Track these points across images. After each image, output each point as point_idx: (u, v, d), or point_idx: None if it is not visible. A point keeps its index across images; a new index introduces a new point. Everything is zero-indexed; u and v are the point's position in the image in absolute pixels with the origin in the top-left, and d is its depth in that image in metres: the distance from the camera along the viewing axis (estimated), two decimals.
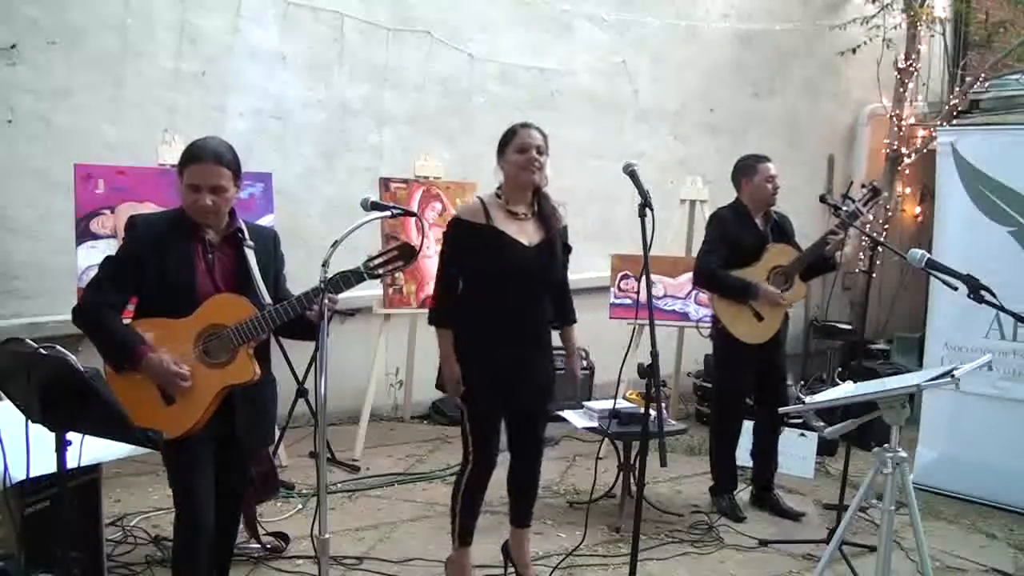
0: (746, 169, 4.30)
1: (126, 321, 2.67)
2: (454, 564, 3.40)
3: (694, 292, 5.73)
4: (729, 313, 4.25)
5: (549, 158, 3.19)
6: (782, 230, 4.35)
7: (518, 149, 3.12)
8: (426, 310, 5.22)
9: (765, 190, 4.23)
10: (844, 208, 4.15)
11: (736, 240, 4.23)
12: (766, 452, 4.48)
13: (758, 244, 4.24)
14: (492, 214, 3.13)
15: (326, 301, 2.56)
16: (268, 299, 2.64)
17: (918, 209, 7.74)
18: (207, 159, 2.59)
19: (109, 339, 2.59)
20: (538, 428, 3.38)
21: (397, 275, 4.95)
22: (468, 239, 3.13)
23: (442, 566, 3.63)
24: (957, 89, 7.29)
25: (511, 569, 3.46)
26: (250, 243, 2.69)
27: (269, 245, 2.81)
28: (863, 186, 4.40)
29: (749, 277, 4.18)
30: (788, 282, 4.20)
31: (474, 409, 3.21)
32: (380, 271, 2.70)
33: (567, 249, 3.32)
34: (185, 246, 2.64)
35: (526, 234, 3.16)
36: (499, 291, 3.12)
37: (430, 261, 5.27)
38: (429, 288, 5.27)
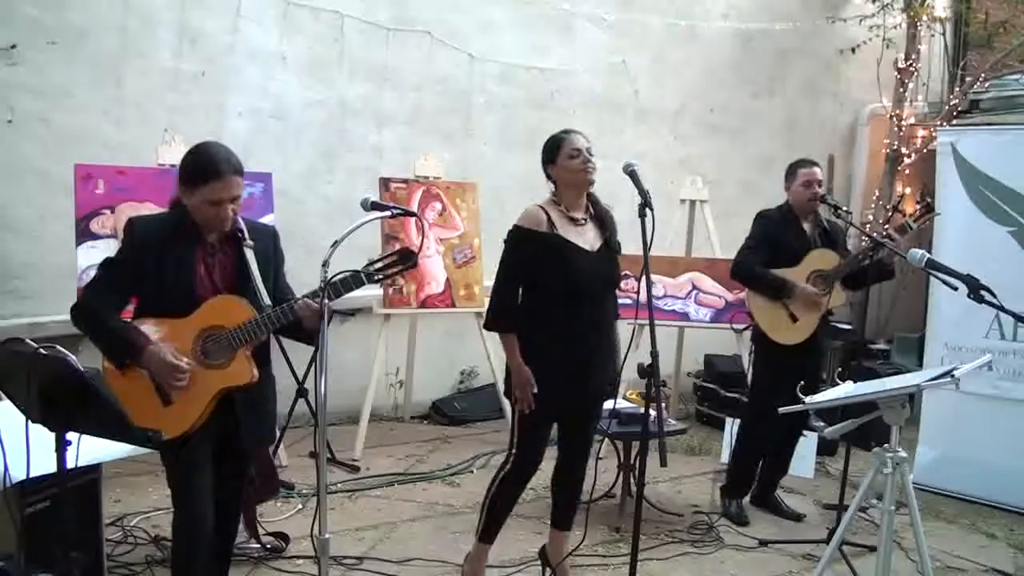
0: (788, 173, 4.30)
1: (126, 320, 2.67)
2: (472, 561, 3.40)
3: (694, 292, 5.74)
4: (764, 312, 4.21)
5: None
6: (830, 238, 4.29)
7: (571, 155, 3.14)
8: (426, 310, 5.33)
9: (802, 195, 4.19)
10: (844, 208, 4.15)
11: (779, 241, 4.20)
12: (781, 454, 4.47)
13: (801, 247, 4.20)
14: (555, 221, 3.13)
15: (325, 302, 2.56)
16: (267, 300, 2.63)
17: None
18: (228, 173, 2.56)
19: (108, 336, 2.59)
20: (589, 429, 3.37)
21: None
22: (530, 247, 3.12)
23: (442, 566, 3.65)
24: (957, 89, 7.29)
25: (548, 572, 3.47)
26: (250, 243, 2.68)
27: (268, 243, 2.80)
28: (916, 201, 4.36)
29: (788, 278, 4.15)
30: (827, 287, 4.14)
31: (530, 413, 3.16)
32: (379, 276, 2.70)
33: (618, 247, 3.30)
34: (186, 249, 2.63)
35: (587, 239, 3.17)
36: (566, 298, 3.10)
37: (430, 261, 5.29)
38: (429, 288, 5.31)
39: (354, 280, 2.63)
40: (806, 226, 4.25)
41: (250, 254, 2.67)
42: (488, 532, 3.34)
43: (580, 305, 3.12)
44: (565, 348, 3.12)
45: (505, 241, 3.23)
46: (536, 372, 3.11)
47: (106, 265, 2.70)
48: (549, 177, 3.23)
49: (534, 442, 3.23)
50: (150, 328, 2.60)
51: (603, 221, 3.24)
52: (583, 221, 3.19)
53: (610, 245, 3.23)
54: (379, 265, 2.69)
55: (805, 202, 4.20)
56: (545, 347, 3.12)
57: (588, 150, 3.15)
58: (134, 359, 2.55)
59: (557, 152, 3.17)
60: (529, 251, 3.12)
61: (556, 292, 3.11)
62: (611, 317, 3.27)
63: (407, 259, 2.71)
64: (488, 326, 3.26)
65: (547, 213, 3.14)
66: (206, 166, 2.56)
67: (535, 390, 3.11)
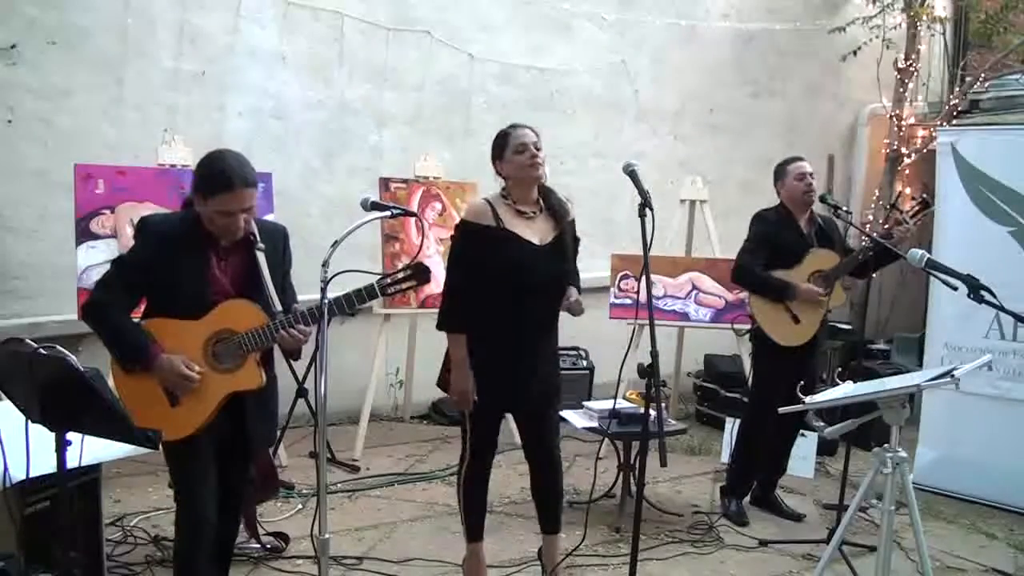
0: (779, 172, 4.27)
1: (136, 320, 2.67)
2: (467, 561, 3.40)
3: (694, 292, 5.74)
4: (765, 314, 4.20)
5: (546, 155, 3.18)
6: (826, 234, 4.27)
7: (516, 150, 3.10)
8: (426, 310, 5.32)
9: (797, 188, 4.16)
10: (844, 208, 4.15)
11: (777, 241, 4.18)
12: (778, 454, 4.47)
13: (800, 247, 4.18)
14: (501, 215, 3.10)
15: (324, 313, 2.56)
16: (279, 305, 2.63)
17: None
18: (238, 186, 2.53)
19: (119, 338, 2.59)
20: (546, 431, 3.33)
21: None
22: (477, 242, 3.09)
23: (442, 566, 3.65)
24: (957, 89, 7.28)
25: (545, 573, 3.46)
26: (261, 245, 2.67)
27: (278, 244, 2.79)
28: (913, 197, 4.33)
29: (789, 280, 4.13)
30: (828, 287, 4.13)
31: (475, 407, 3.19)
32: (392, 290, 2.70)
33: (576, 241, 3.30)
34: (198, 252, 2.62)
35: (536, 233, 3.14)
36: (510, 292, 3.08)
37: (431, 261, 5.28)
38: (429, 288, 5.28)
39: (368, 292, 2.64)
40: (803, 224, 4.25)
41: (261, 258, 2.66)
42: (473, 531, 3.34)
43: (526, 301, 3.10)
44: (508, 342, 3.10)
45: (452, 237, 3.21)
46: (480, 366, 3.11)
47: (117, 264, 2.70)
48: (499, 173, 3.20)
49: (483, 434, 3.25)
50: (161, 328, 2.60)
51: (556, 214, 3.19)
52: (533, 214, 3.16)
53: (563, 241, 3.18)
54: (392, 279, 2.68)
55: (801, 195, 4.17)
56: (490, 343, 3.11)
57: (535, 144, 3.11)
58: (144, 367, 2.55)
59: (503, 148, 3.14)
60: (475, 246, 3.09)
61: (502, 288, 3.08)
62: (556, 314, 3.21)
63: (421, 276, 2.71)
64: (439, 326, 3.20)
65: (493, 207, 3.11)
66: (218, 178, 2.54)
67: (475, 397, 3.12)
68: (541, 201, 3.20)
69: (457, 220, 5.33)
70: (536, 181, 3.16)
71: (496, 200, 3.15)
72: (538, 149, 3.11)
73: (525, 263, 3.08)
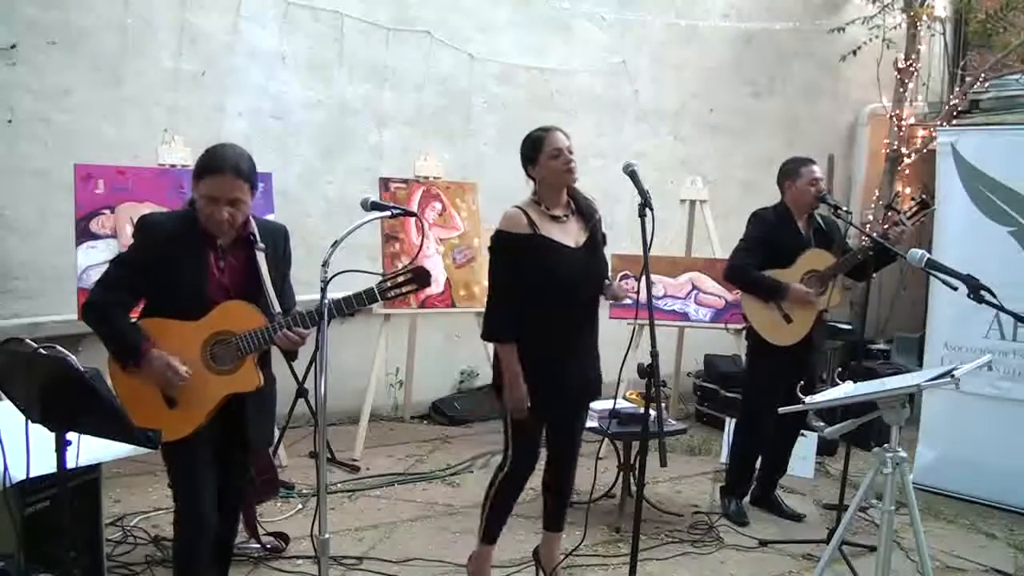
0: (790, 172, 4.22)
1: (134, 320, 2.67)
2: (475, 561, 3.39)
3: (694, 292, 5.74)
4: (758, 313, 4.20)
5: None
6: (826, 235, 4.26)
7: (552, 155, 3.10)
8: (426, 310, 5.33)
9: (808, 193, 4.14)
10: (844, 208, 4.14)
11: (775, 241, 4.18)
12: (779, 454, 4.47)
13: (797, 247, 4.18)
14: (536, 221, 3.09)
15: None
16: (278, 307, 2.62)
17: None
18: (226, 171, 2.52)
19: (115, 336, 2.59)
20: (575, 430, 3.35)
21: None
22: (515, 251, 3.07)
23: (442, 566, 3.65)
24: (957, 89, 7.28)
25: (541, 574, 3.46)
26: (261, 245, 2.66)
27: (280, 244, 2.78)
28: (912, 198, 4.33)
29: (782, 279, 4.13)
30: (823, 286, 4.13)
31: (520, 414, 3.14)
32: (391, 293, 2.70)
33: (603, 239, 3.30)
34: (197, 251, 2.61)
35: (571, 235, 3.15)
36: (552, 296, 3.07)
37: (430, 261, 5.28)
38: (429, 289, 5.28)
39: (368, 296, 2.63)
40: (801, 225, 4.24)
41: (261, 258, 2.65)
42: (490, 533, 3.34)
43: (568, 304, 3.10)
44: (553, 347, 3.09)
45: (490, 249, 3.20)
46: (528, 375, 3.07)
47: (116, 263, 2.69)
48: (531, 177, 3.20)
49: (529, 443, 3.21)
50: (159, 328, 2.60)
51: (585, 214, 3.21)
52: (565, 217, 3.17)
53: (596, 241, 3.20)
54: (392, 283, 2.68)
55: (811, 201, 4.16)
56: (533, 348, 3.08)
57: (568, 148, 3.11)
58: (136, 362, 2.54)
59: (538, 152, 3.13)
60: (514, 255, 3.08)
61: (544, 293, 3.07)
62: (596, 313, 3.23)
63: (421, 279, 2.70)
64: (486, 336, 3.19)
65: (527, 214, 3.10)
66: (208, 161, 2.55)
67: (528, 404, 3.08)
68: (571, 203, 3.21)
69: (455, 220, 5.44)
70: (570, 185, 3.17)
71: (529, 206, 3.14)
72: (571, 152, 3.12)
73: (564, 267, 3.08)
